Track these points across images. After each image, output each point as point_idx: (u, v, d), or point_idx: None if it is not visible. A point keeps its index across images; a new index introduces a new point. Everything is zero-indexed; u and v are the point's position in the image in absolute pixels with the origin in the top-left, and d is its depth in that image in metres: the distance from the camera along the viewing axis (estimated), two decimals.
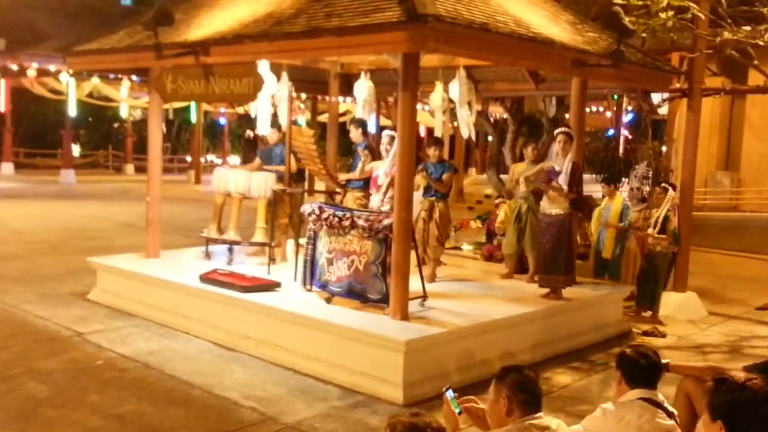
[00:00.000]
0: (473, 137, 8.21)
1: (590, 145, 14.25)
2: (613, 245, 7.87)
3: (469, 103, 7.96)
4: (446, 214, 7.12)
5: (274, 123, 8.08)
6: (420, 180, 6.93)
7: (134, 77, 17.87)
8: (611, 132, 18.17)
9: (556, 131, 6.75)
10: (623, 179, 12.38)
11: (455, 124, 8.60)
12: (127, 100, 21.17)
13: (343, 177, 7.51)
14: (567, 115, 9.21)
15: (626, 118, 17.47)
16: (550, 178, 6.61)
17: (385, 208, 6.39)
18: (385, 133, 6.72)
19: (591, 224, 8.30)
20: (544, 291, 6.68)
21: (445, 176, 7.05)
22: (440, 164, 7.09)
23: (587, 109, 11.91)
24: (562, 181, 6.45)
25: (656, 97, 11.89)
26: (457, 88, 7.77)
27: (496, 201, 9.04)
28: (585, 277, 7.62)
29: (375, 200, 6.61)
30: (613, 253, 7.88)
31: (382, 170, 6.54)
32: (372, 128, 11.86)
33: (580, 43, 6.51)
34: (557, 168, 6.56)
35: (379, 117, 17.80)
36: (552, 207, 6.59)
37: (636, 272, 8.00)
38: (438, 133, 8.12)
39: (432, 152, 7.11)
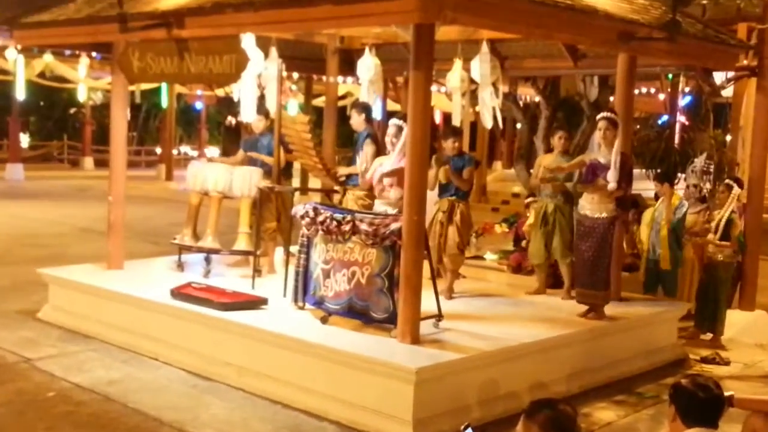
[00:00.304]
0: (499, 124, 8.18)
1: (639, 133, 14.21)
2: (670, 253, 7.85)
3: (494, 85, 7.96)
4: (468, 217, 7.13)
5: (261, 108, 8.11)
6: (441, 175, 6.92)
7: (94, 54, 17.95)
8: (665, 118, 18.11)
9: (598, 117, 6.74)
10: (678, 175, 12.35)
11: (477, 109, 8.60)
12: (85, 80, 21.25)
13: (342, 171, 7.52)
14: (611, 99, 9.19)
15: (683, 101, 17.42)
16: (595, 173, 6.59)
17: (392, 211, 6.34)
18: (392, 122, 6.70)
19: (641, 229, 8.29)
20: (583, 309, 6.66)
21: (465, 171, 7.04)
22: (459, 157, 7.09)
23: (636, 91, 11.88)
24: (611, 176, 6.43)
25: (719, 77, 11.86)
26: (479, 66, 7.78)
27: (527, 200, 9.03)
28: (634, 291, 7.60)
29: (379, 206, 6.55)
30: (672, 262, 7.86)
31: (389, 165, 6.52)
32: (378, 114, 11.91)
33: (628, 11, 6.50)
34: (602, 161, 6.55)
35: (386, 101, 17.86)
36: (594, 208, 6.58)
37: (694, 286, 7.97)
38: (456, 121, 8.13)
39: (450, 143, 7.10)
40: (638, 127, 16.32)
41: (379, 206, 6.54)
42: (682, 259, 7.98)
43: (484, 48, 7.80)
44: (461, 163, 7.05)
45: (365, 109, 7.54)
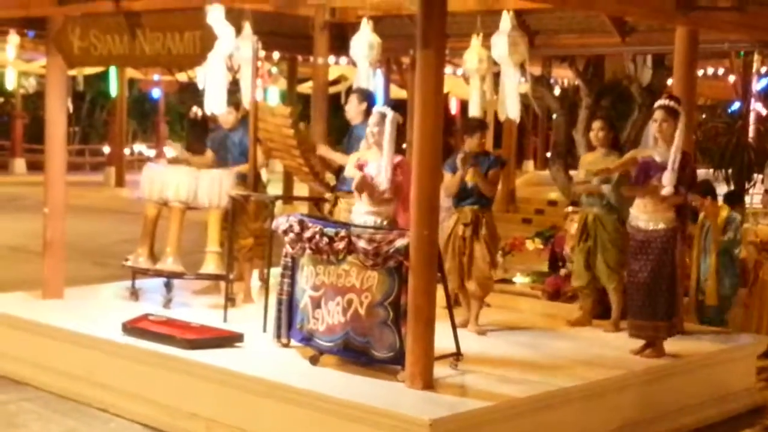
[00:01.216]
0: (537, 112, 8.20)
1: (705, 125, 14.24)
2: (719, 285, 7.87)
3: (522, 66, 7.99)
4: (495, 230, 7.14)
5: (233, 97, 8.13)
6: (469, 178, 6.93)
7: (26, 31, 18.02)
8: (736, 106, 18.14)
9: (655, 106, 6.75)
10: (755, 176, 12.36)
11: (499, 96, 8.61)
12: (14, 63, 21.33)
13: (321, 152, 7.49)
14: (669, 82, 9.22)
15: (759, 85, 17.44)
16: (647, 173, 6.60)
17: (375, 222, 6.30)
18: (377, 109, 6.69)
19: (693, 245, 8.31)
20: (638, 344, 6.66)
21: (491, 174, 7.06)
22: (483, 156, 7.11)
23: (699, 73, 11.91)
24: (666, 179, 6.43)
25: None
26: (503, 42, 7.80)
27: (567, 210, 9.03)
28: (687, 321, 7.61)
29: (360, 209, 6.53)
30: (719, 297, 7.88)
31: (375, 168, 6.45)
32: (379, 102, 11.92)
33: None
34: (658, 159, 6.55)
35: (389, 86, 17.94)
36: (649, 218, 6.58)
37: None
38: (474, 110, 8.14)
39: (476, 140, 7.10)
40: (703, 116, 16.35)
41: (362, 215, 6.47)
42: (759, 283, 7.98)
43: (509, 21, 7.83)
44: (486, 164, 7.06)
45: (368, 96, 7.54)
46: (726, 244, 7.97)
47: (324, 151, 7.62)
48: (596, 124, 7.52)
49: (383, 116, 6.44)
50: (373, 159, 6.50)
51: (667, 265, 6.56)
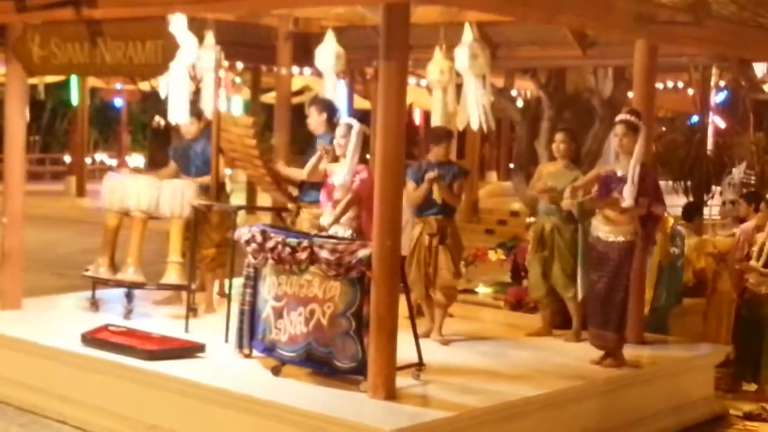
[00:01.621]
0: (491, 126, 8.23)
1: (665, 137, 14.40)
2: (653, 293, 7.97)
3: (484, 77, 8.03)
4: (460, 240, 7.18)
5: (195, 107, 8.10)
6: (436, 195, 6.95)
7: None
8: (695, 119, 18.39)
9: (616, 120, 6.82)
10: (713, 188, 12.52)
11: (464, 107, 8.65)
12: None
13: (281, 169, 7.49)
14: (630, 95, 9.31)
15: (717, 98, 17.69)
16: (608, 186, 6.66)
17: (344, 232, 6.35)
18: (344, 121, 6.75)
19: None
20: (599, 354, 6.71)
21: (455, 185, 7.10)
22: (448, 167, 7.15)
23: (659, 86, 12.04)
24: (627, 192, 6.50)
25: (759, 68, 12.08)
26: (465, 54, 7.84)
27: (528, 221, 9.09)
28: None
29: (326, 217, 6.58)
30: (654, 306, 7.96)
31: (340, 177, 6.51)
32: (343, 113, 11.92)
33: None
34: (620, 173, 6.63)
35: (352, 97, 17.94)
36: (609, 230, 6.64)
37: (732, 325, 8.06)
38: (437, 120, 8.17)
39: (436, 150, 7.15)
40: (663, 129, 16.55)
41: (326, 215, 6.54)
42: (716, 294, 8.09)
43: (472, 33, 7.87)
44: (450, 174, 7.10)
45: (327, 106, 7.55)
46: (670, 258, 8.07)
47: (281, 167, 7.63)
48: (559, 136, 7.57)
49: (350, 127, 6.48)
50: (339, 170, 6.53)
51: (623, 277, 6.62)
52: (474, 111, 8.00)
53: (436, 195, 6.97)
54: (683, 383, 7.10)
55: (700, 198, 12.49)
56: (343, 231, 6.39)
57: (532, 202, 8.28)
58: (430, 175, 6.93)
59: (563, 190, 7.02)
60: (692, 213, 9.20)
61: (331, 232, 6.38)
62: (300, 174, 7.27)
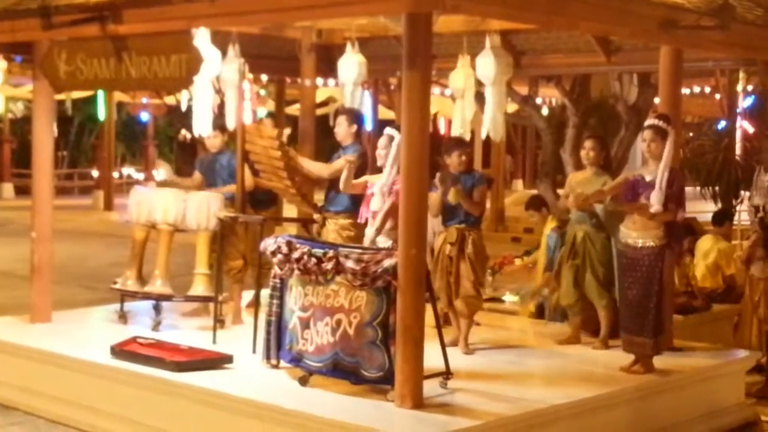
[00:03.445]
0: (502, 136, 8.20)
1: (692, 143, 14.32)
2: None
3: (508, 85, 8.03)
4: (482, 249, 7.15)
5: (219, 120, 8.16)
6: (451, 197, 6.95)
7: (13, 56, 18.03)
8: (723, 124, 18.27)
9: (645, 123, 6.79)
10: (742, 193, 12.42)
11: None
12: (2, 88, 21.32)
13: (300, 160, 7.53)
14: (655, 101, 9.28)
15: (744, 102, 17.58)
16: (636, 191, 6.64)
17: (385, 242, 6.41)
18: (386, 131, 6.77)
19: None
20: (628, 361, 6.68)
21: (475, 192, 7.08)
22: (468, 175, 7.14)
23: (686, 91, 11.99)
24: (654, 198, 6.47)
25: None
26: (489, 63, 7.85)
27: (531, 219, 9.08)
28: (689, 339, 7.61)
29: (369, 233, 6.62)
30: None
31: (379, 187, 6.56)
32: (368, 123, 11.97)
33: None
34: (648, 177, 6.60)
35: (377, 107, 17.99)
36: (638, 236, 6.61)
37: (762, 331, 7.99)
38: (457, 130, 8.17)
39: (455, 158, 7.15)
40: (690, 134, 16.45)
41: (369, 231, 6.60)
42: (744, 297, 8.02)
43: (495, 41, 7.88)
44: (470, 183, 7.08)
45: (354, 116, 7.55)
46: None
47: (303, 161, 7.65)
48: (588, 143, 7.50)
49: (391, 138, 6.51)
50: (379, 181, 6.60)
51: (655, 282, 6.59)
52: (496, 120, 8.01)
53: (452, 197, 6.93)
54: (714, 390, 7.04)
55: (729, 203, 12.40)
56: (383, 241, 6.42)
57: (562, 213, 8.24)
58: (438, 175, 6.91)
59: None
60: (722, 219, 9.15)
61: (371, 242, 6.41)
62: (322, 170, 7.29)
